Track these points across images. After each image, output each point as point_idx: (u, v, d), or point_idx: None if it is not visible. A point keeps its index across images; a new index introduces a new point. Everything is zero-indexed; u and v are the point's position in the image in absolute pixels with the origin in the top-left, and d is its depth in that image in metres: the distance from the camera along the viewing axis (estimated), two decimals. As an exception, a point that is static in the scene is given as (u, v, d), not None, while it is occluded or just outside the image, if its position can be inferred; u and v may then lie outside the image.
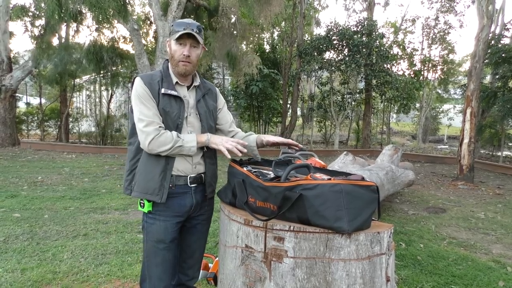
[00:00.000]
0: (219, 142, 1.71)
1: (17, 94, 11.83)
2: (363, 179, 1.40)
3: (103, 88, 13.23)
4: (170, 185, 1.75)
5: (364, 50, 11.98)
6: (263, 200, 1.50)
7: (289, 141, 1.87)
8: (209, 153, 1.86)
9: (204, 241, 2.01)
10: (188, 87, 1.83)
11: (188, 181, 1.79)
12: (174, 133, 1.70)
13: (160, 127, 1.69)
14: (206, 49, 5.83)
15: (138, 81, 1.73)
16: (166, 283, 1.81)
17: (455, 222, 4.93)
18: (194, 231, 1.92)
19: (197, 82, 1.86)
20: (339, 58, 12.60)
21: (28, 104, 13.76)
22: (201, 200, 1.87)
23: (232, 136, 1.96)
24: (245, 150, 1.72)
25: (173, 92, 1.74)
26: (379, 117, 16.82)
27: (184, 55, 1.72)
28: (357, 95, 13.53)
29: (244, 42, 12.54)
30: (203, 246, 2.01)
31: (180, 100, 1.75)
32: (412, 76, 14.67)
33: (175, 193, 1.77)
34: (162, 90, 1.72)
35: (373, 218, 1.45)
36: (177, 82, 1.78)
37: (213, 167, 1.91)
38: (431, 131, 19.16)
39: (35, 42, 10.90)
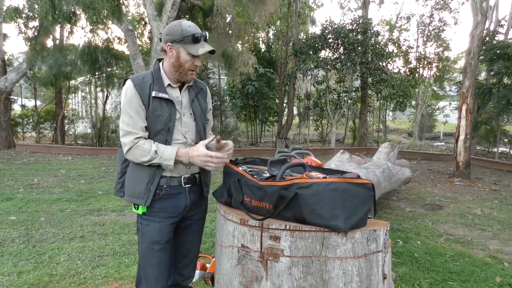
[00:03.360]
0: (200, 162, 1.65)
1: (12, 97, 11.78)
2: (358, 177, 1.40)
3: (98, 89, 13.16)
4: (165, 186, 1.74)
5: (359, 48, 11.99)
6: (258, 200, 1.49)
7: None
8: None
9: (199, 241, 2.01)
10: (180, 87, 1.81)
11: (182, 181, 1.78)
12: (154, 147, 1.66)
13: (137, 138, 1.66)
14: None
15: (128, 84, 1.70)
16: (162, 284, 1.81)
17: (452, 218, 4.95)
18: (188, 231, 1.92)
19: (190, 82, 1.85)
20: (334, 56, 12.61)
21: (23, 106, 13.69)
22: (195, 200, 1.86)
23: None
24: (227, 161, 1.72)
25: (164, 95, 1.71)
26: (375, 115, 16.87)
27: (195, 65, 1.72)
28: (353, 94, 13.53)
29: (240, 42, 12.51)
30: (198, 246, 2.00)
31: (171, 103, 1.73)
32: (408, 73, 14.70)
33: (170, 194, 1.76)
34: (153, 93, 1.69)
35: (369, 216, 1.45)
36: (169, 84, 1.76)
37: None
38: (427, 128, 19.21)
39: (29, 44, 10.83)
